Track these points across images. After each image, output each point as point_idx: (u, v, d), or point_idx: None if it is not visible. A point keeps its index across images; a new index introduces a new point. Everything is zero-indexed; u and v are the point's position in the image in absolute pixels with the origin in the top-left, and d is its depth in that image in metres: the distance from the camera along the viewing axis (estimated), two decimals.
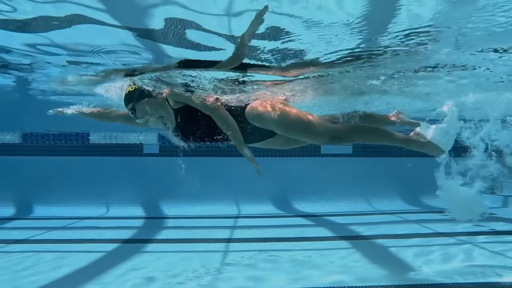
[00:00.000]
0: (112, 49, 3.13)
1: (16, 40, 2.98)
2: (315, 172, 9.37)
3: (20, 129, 9.21)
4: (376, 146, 9.62)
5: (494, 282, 3.89)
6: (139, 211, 8.79)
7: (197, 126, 3.37)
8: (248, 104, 3.38)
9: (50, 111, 3.86)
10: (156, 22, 2.56)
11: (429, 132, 3.41)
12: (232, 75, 3.46)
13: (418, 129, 3.46)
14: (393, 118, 3.84)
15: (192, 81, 3.57)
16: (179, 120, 3.35)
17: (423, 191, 9.27)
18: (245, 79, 3.59)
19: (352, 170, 9.53)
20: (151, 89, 3.39)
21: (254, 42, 2.81)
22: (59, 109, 3.84)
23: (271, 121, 3.23)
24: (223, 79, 3.54)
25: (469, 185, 3.30)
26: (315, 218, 8.03)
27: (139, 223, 7.81)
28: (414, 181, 9.13)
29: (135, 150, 9.36)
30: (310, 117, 3.31)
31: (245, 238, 6.23)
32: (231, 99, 3.64)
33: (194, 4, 2.27)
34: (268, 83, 3.81)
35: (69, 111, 3.84)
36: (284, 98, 3.97)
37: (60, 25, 2.64)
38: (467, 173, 3.30)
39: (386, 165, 9.62)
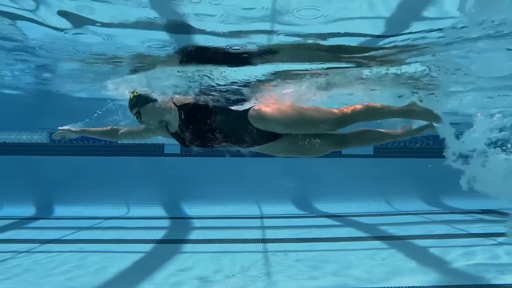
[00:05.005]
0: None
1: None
2: (336, 173, 9.29)
3: (48, 129, 9.30)
4: (397, 146, 9.54)
5: None
6: (160, 211, 8.80)
7: (202, 125, 3.33)
8: (250, 108, 3.32)
9: (54, 135, 3.90)
10: None
11: None
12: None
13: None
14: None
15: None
16: (182, 116, 3.34)
17: (445, 191, 9.13)
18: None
19: (373, 171, 9.43)
20: (154, 94, 3.44)
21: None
22: (65, 127, 3.86)
23: (275, 120, 3.22)
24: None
25: None
26: (338, 218, 7.97)
27: (160, 223, 7.82)
28: (435, 182, 9.00)
29: (156, 150, 9.41)
30: (310, 107, 3.37)
31: (271, 239, 6.19)
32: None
33: None
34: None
35: (73, 133, 3.87)
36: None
37: None
38: None
39: (406, 166, 9.51)
